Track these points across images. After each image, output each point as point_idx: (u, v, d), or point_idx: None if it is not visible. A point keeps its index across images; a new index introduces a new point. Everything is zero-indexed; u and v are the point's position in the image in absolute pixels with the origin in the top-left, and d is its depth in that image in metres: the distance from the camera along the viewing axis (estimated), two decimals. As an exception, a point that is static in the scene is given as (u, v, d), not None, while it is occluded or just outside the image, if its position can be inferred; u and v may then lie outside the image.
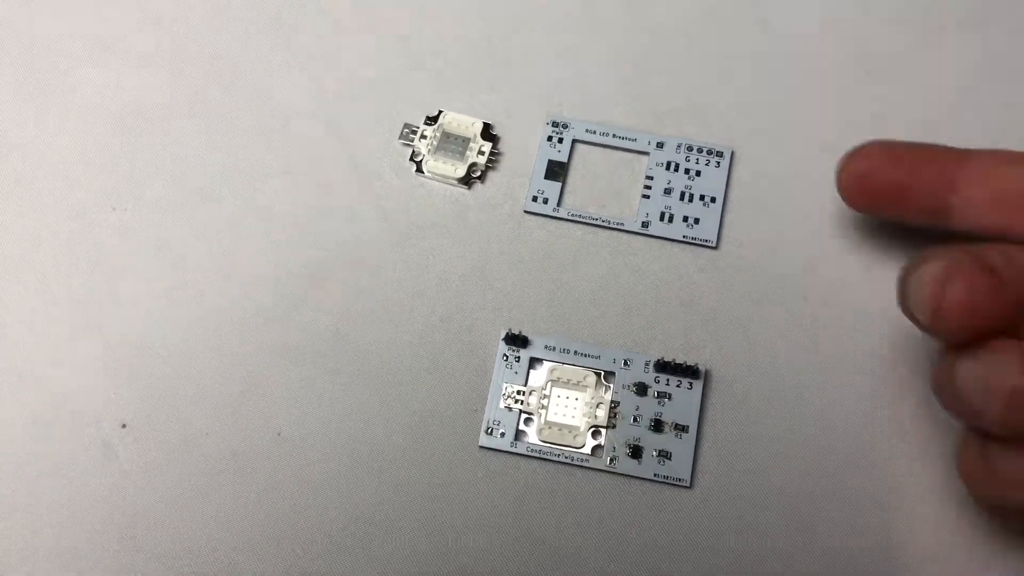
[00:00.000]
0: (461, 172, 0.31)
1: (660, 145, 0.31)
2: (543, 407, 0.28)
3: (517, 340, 0.28)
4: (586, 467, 0.27)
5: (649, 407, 0.28)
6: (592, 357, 0.28)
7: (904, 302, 0.23)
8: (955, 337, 0.23)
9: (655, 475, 0.27)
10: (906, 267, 0.23)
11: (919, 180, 0.26)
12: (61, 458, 0.28)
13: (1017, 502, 0.23)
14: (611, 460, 0.27)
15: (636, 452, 0.27)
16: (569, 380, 0.28)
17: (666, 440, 0.27)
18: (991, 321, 0.22)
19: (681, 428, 0.27)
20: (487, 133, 0.31)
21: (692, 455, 0.27)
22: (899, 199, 0.26)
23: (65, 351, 0.29)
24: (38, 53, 0.33)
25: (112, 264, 0.30)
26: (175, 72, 0.33)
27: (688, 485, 0.27)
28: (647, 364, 0.28)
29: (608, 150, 0.31)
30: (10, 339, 0.29)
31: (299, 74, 0.32)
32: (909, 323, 0.26)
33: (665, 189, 0.30)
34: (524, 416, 0.28)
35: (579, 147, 0.31)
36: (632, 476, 0.27)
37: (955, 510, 0.27)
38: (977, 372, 0.22)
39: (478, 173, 0.31)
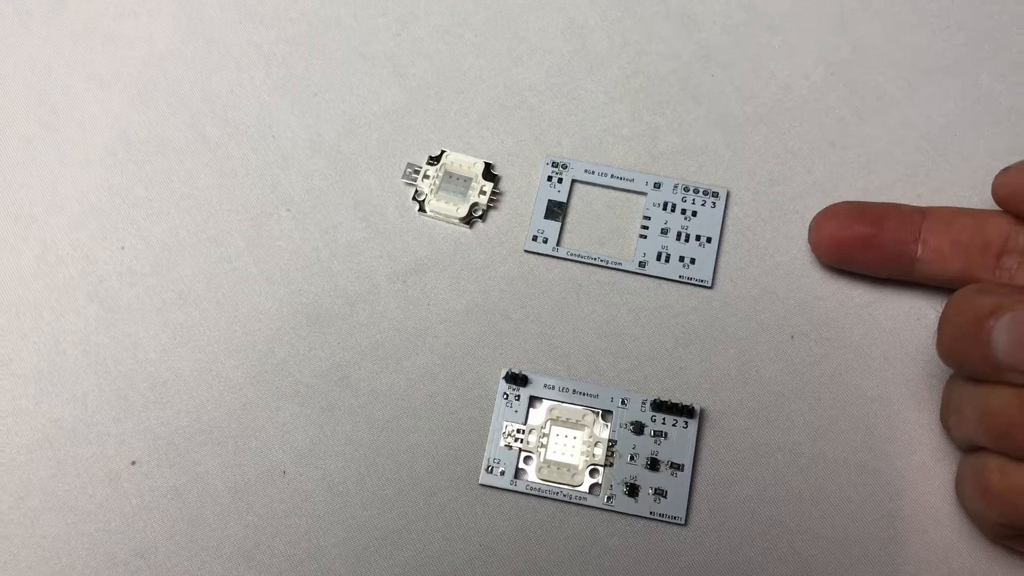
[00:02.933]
0: (463, 212, 0.31)
1: (657, 185, 0.32)
2: (542, 445, 0.28)
3: (517, 379, 0.29)
4: (584, 505, 0.28)
5: (646, 446, 0.28)
6: (590, 396, 0.29)
7: (987, 350, 0.23)
8: None
9: (651, 513, 0.28)
10: (980, 317, 0.23)
11: (885, 234, 0.28)
12: (71, 493, 0.28)
13: None
14: (608, 498, 0.28)
15: (633, 490, 0.28)
16: (568, 419, 0.29)
17: (662, 478, 0.28)
18: None
19: (677, 466, 0.28)
20: (488, 173, 0.32)
21: (687, 493, 0.28)
22: (868, 252, 0.29)
23: (75, 389, 0.29)
24: (41, 91, 0.33)
25: (120, 302, 0.30)
26: (178, 111, 0.33)
27: (683, 523, 0.28)
28: (644, 403, 0.29)
29: (606, 190, 0.32)
30: (20, 377, 0.29)
31: (302, 114, 0.33)
32: (900, 358, 0.27)
33: (662, 229, 0.31)
34: (524, 455, 0.28)
35: (578, 187, 0.32)
36: (629, 514, 0.28)
37: (955, 539, 0.27)
38: None
39: (479, 212, 0.31)
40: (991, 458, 0.24)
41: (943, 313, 0.25)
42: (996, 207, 0.28)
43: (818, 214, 0.30)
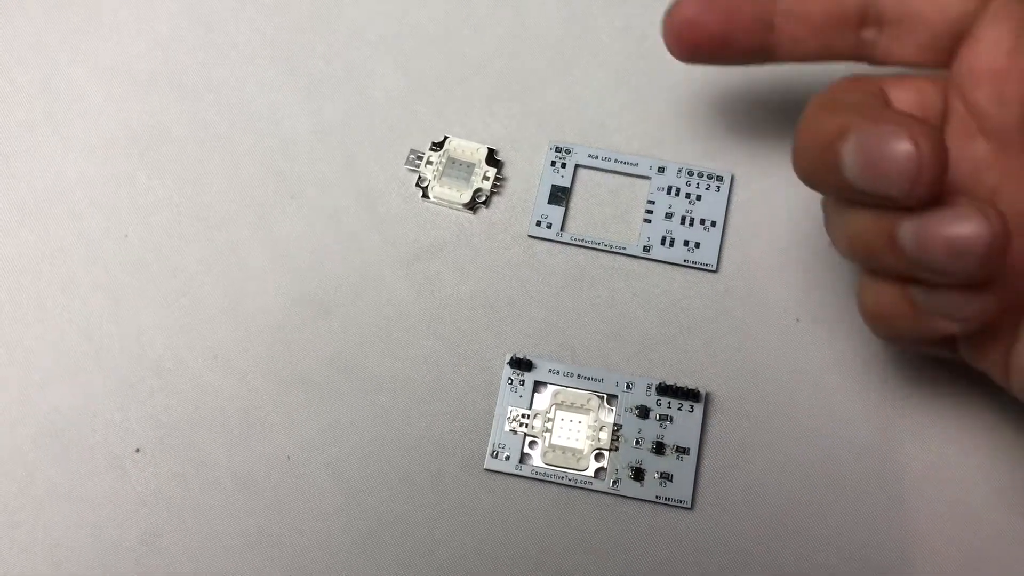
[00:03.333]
0: (466, 197, 0.31)
1: (661, 170, 0.31)
2: (547, 430, 0.28)
3: (521, 364, 0.29)
4: (589, 489, 0.28)
5: (651, 430, 0.28)
6: (595, 380, 0.29)
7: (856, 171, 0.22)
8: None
9: (657, 497, 0.28)
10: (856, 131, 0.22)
11: (737, 26, 0.27)
12: (75, 482, 0.28)
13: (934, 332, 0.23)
14: (614, 482, 0.28)
15: (638, 474, 0.28)
16: (573, 403, 0.29)
17: (667, 462, 0.28)
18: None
19: (682, 450, 0.28)
20: (491, 159, 0.32)
21: (693, 476, 0.28)
22: (722, 47, 0.27)
23: (79, 377, 0.29)
24: (44, 79, 0.33)
25: (125, 290, 0.30)
26: (181, 99, 0.33)
27: (689, 506, 0.28)
28: (649, 387, 0.29)
29: (610, 175, 0.32)
30: (24, 365, 0.29)
31: (305, 101, 0.33)
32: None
33: (666, 213, 0.31)
34: (529, 439, 0.28)
35: (581, 172, 0.32)
36: (634, 498, 0.28)
37: (966, 519, 0.27)
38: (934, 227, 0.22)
39: (483, 198, 0.31)
40: (863, 277, 0.24)
41: (795, 137, 0.24)
42: None
43: (667, 11, 0.28)
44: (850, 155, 0.22)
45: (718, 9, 0.27)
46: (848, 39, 0.26)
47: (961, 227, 0.21)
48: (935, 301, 0.23)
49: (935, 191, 0.21)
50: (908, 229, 0.22)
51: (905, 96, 0.25)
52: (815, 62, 0.27)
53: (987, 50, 0.24)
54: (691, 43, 0.28)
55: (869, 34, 0.26)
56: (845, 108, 0.23)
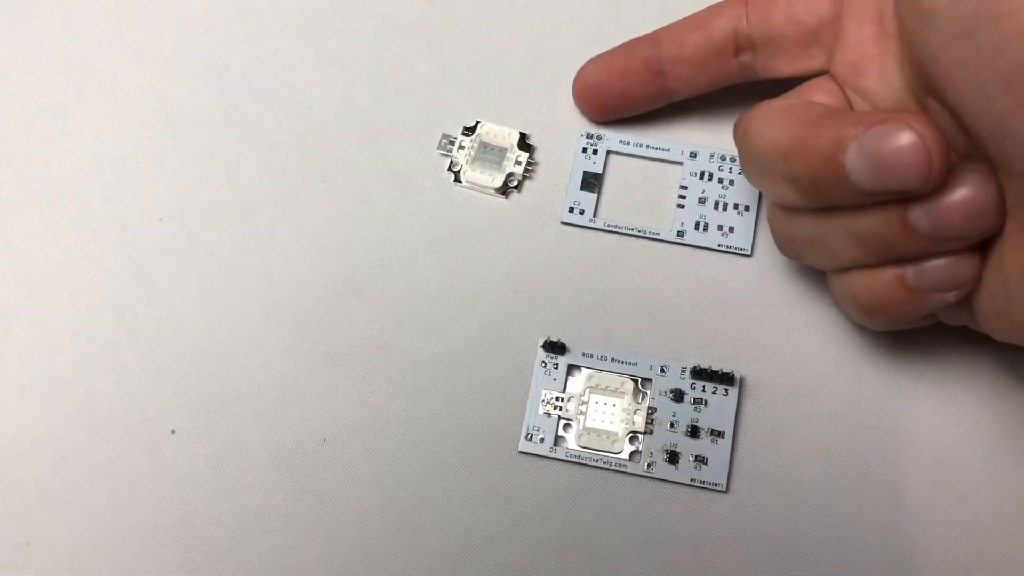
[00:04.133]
0: (498, 182, 0.31)
1: (693, 155, 0.31)
2: (581, 413, 0.28)
3: (555, 347, 0.29)
4: (624, 472, 0.28)
5: (685, 413, 0.28)
6: (629, 364, 0.29)
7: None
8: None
9: (692, 480, 0.28)
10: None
11: (632, 81, 0.30)
12: (111, 463, 0.28)
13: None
14: (648, 465, 0.28)
15: (673, 457, 0.28)
16: (607, 387, 0.29)
17: (702, 445, 0.28)
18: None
19: (717, 434, 0.28)
20: (523, 143, 0.32)
21: (728, 460, 0.28)
22: (624, 101, 0.31)
23: (113, 359, 0.29)
24: (77, 63, 0.34)
25: (158, 273, 0.31)
26: (213, 83, 0.33)
27: (724, 489, 0.27)
28: (683, 371, 0.29)
29: (642, 160, 0.32)
30: (61, 348, 0.30)
31: (337, 85, 0.33)
32: (941, 328, 0.27)
33: (699, 198, 0.31)
34: (563, 422, 0.28)
35: (613, 158, 0.32)
36: (669, 481, 0.28)
37: (1001, 501, 0.27)
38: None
39: (515, 183, 0.31)
40: (855, 276, 0.25)
41: (778, 168, 0.24)
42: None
43: (573, 82, 0.31)
44: (855, 163, 0.22)
45: (614, 69, 0.30)
46: (730, 66, 0.29)
47: (970, 191, 0.22)
48: (930, 276, 0.23)
49: (946, 169, 0.21)
50: (920, 212, 0.22)
51: (825, 99, 0.27)
52: (709, 91, 0.30)
53: (857, 44, 0.26)
54: (598, 103, 0.31)
55: (746, 58, 0.29)
56: (823, 122, 0.23)
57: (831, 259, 0.25)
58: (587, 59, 0.31)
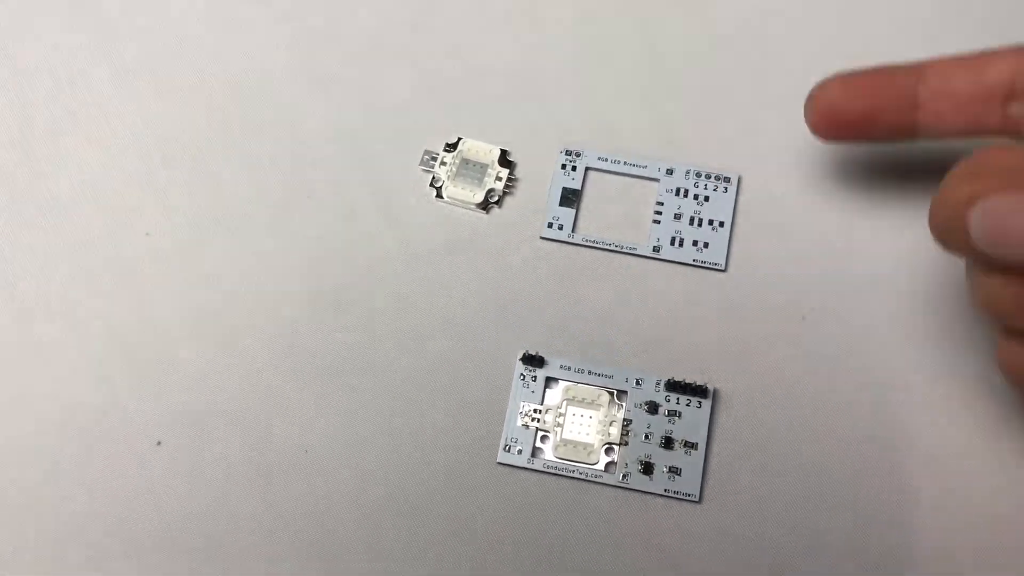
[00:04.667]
0: (479, 197, 0.32)
1: (670, 172, 0.32)
2: (559, 425, 0.29)
3: (533, 360, 0.30)
4: (600, 483, 0.28)
5: (660, 425, 0.29)
6: (606, 377, 0.29)
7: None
8: None
9: (666, 490, 0.28)
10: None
11: (882, 104, 0.28)
12: (98, 474, 0.29)
13: None
14: (624, 476, 0.28)
15: (648, 468, 0.28)
16: (583, 399, 0.29)
17: (676, 457, 0.28)
18: None
19: (691, 445, 0.29)
20: (504, 160, 0.32)
21: (701, 471, 0.28)
22: (866, 126, 0.28)
23: (100, 371, 0.30)
24: (67, 80, 0.34)
25: (146, 287, 0.31)
26: (200, 100, 0.34)
27: (697, 500, 0.28)
28: (658, 383, 0.29)
29: (620, 177, 0.32)
30: (47, 360, 0.30)
31: (322, 103, 0.34)
32: (915, 338, 0.28)
33: (675, 214, 0.32)
34: (540, 434, 0.29)
35: (592, 174, 0.32)
36: (644, 491, 0.28)
37: (972, 514, 0.28)
38: None
39: (496, 198, 0.32)
40: (1001, 336, 0.24)
41: (933, 200, 0.24)
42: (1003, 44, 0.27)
43: (810, 95, 0.29)
44: (977, 222, 0.22)
45: (862, 91, 0.28)
46: (994, 115, 0.26)
47: None
48: None
49: None
50: None
51: None
52: (961, 138, 0.27)
53: None
54: (836, 126, 0.28)
55: (1016, 109, 0.26)
56: (980, 174, 0.23)
57: (975, 309, 0.25)
58: (568, 80, 0.32)
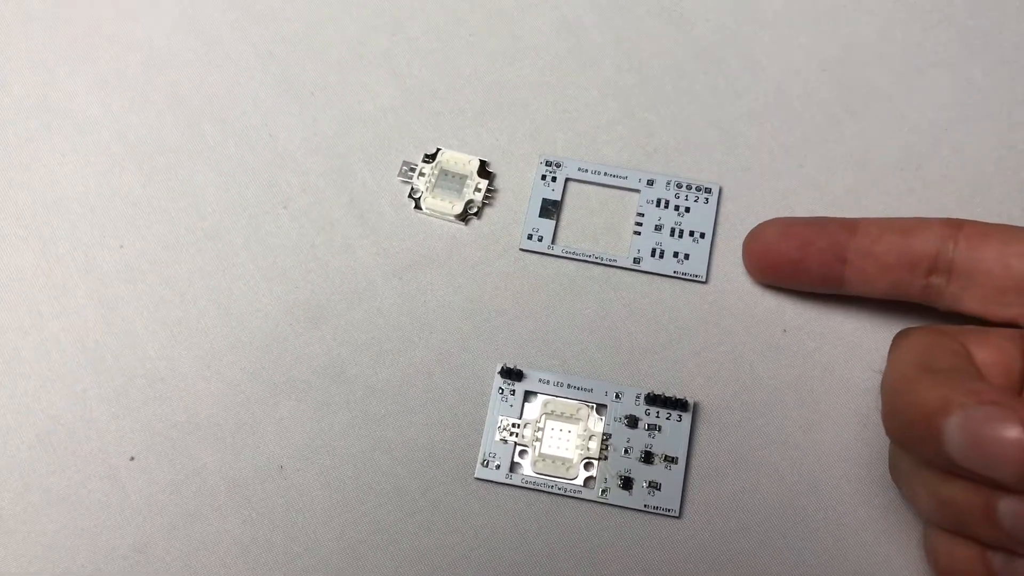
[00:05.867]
0: (458, 209, 0.32)
1: (650, 182, 0.32)
2: (537, 439, 0.29)
3: (512, 374, 0.29)
4: (579, 498, 0.28)
5: (640, 439, 0.29)
6: (585, 390, 0.29)
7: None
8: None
9: (645, 505, 0.28)
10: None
11: (811, 255, 0.28)
12: (71, 489, 0.28)
13: None
14: (603, 491, 0.28)
15: (627, 483, 0.28)
16: (562, 413, 0.29)
17: (656, 471, 0.28)
18: None
19: (671, 459, 0.28)
20: (483, 171, 0.32)
21: (681, 485, 0.28)
22: (796, 273, 0.29)
23: (74, 386, 0.30)
24: (41, 92, 0.34)
25: (119, 300, 0.31)
26: (176, 111, 0.33)
27: (677, 515, 0.28)
28: (638, 397, 0.29)
29: (600, 188, 0.32)
30: (20, 374, 0.30)
31: (299, 113, 0.33)
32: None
33: (656, 225, 0.31)
34: (519, 448, 0.29)
35: (572, 185, 0.32)
36: (623, 507, 0.28)
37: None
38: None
39: (475, 210, 0.32)
40: (939, 536, 0.24)
41: (885, 399, 0.24)
42: (933, 217, 0.27)
43: (747, 235, 0.30)
44: (954, 433, 0.21)
45: (794, 239, 0.29)
46: (917, 283, 0.27)
47: None
48: (1017, 568, 0.22)
49: None
50: (1009, 507, 0.21)
51: (987, 354, 0.25)
52: (881, 299, 0.28)
53: None
54: (767, 268, 0.30)
55: (937, 280, 0.27)
56: (942, 377, 0.23)
57: (918, 507, 0.25)
58: (548, 90, 0.32)
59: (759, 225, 0.30)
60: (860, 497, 0.28)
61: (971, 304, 0.26)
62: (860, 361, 0.30)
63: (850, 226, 0.28)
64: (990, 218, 0.30)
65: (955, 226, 0.26)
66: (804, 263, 0.28)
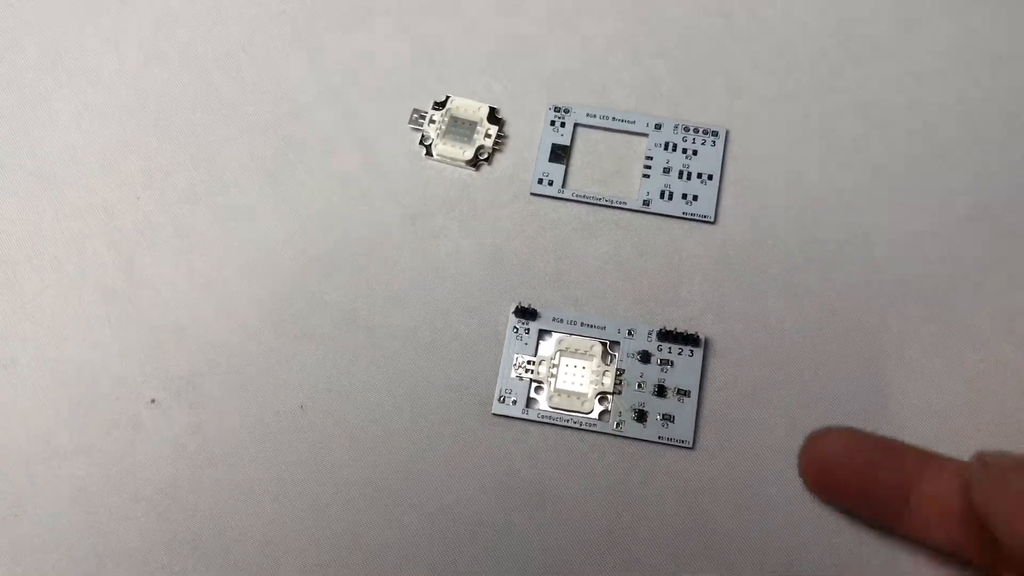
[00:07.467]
0: (469, 155, 0.32)
1: (658, 127, 0.32)
2: (552, 375, 0.29)
3: (526, 313, 0.30)
4: (594, 431, 0.29)
5: (653, 374, 0.29)
6: (598, 328, 0.30)
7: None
8: None
9: (659, 437, 0.28)
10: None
11: (876, 486, 0.25)
12: (94, 435, 0.29)
13: None
14: (617, 424, 0.29)
15: (641, 416, 0.29)
16: (576, 350, 0.29)
17: (669, 404, 0.29)
18: None
19: (683, 393, 0.29)
20: (493, 117, 0.33)
21: (694, 418, 0.29)
22: (856, 500, 0.26)
23: (95, 334, 0.30)
24: (55, 50, 0.34)
25: (138, 250, 0.31)
26: (190, 67, 0.34)
27: (691, 446, 0.28)
28: (650, 333, 0.29)
29: (609, 133, 0.33)
30: (41, 323, 0.30)
31: (311, 67, 0.34)
32: (901, 290, 0.28)
33: (664, 168, 0.32)
34: (535, 384, 0.29)
35: (581, 130, 0.33)
36: (637, 439, 0.28)
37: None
38: None
39: (485, 155, 0.32)
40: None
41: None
42: None
43: (812, 437, 0.27)
44: None
45: (862, 465, 0.25)
46: (977, 543, 0.24)
47: None
48: None
49: None
50: None
51: None
52: (937, 551, 0.26)
53: None
54: (826, 486, 0.27)
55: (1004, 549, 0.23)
56: None
57: None
58: (555, 38, 0.32)
59: (820, 432, 0.27)
60: (867, 428, 0.28)
61: None
62: (868, 299, 0.30)
63: (922, 462, 0.25)
64: (993, 164, 0.31)
65: None
66: (868, 493, 0.25)
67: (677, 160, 0.32)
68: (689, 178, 0.32)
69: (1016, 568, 0.23)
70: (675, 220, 0.31)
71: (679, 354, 0.29)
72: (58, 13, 0.35)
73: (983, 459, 0.22)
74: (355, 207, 0.32)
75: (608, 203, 0.32)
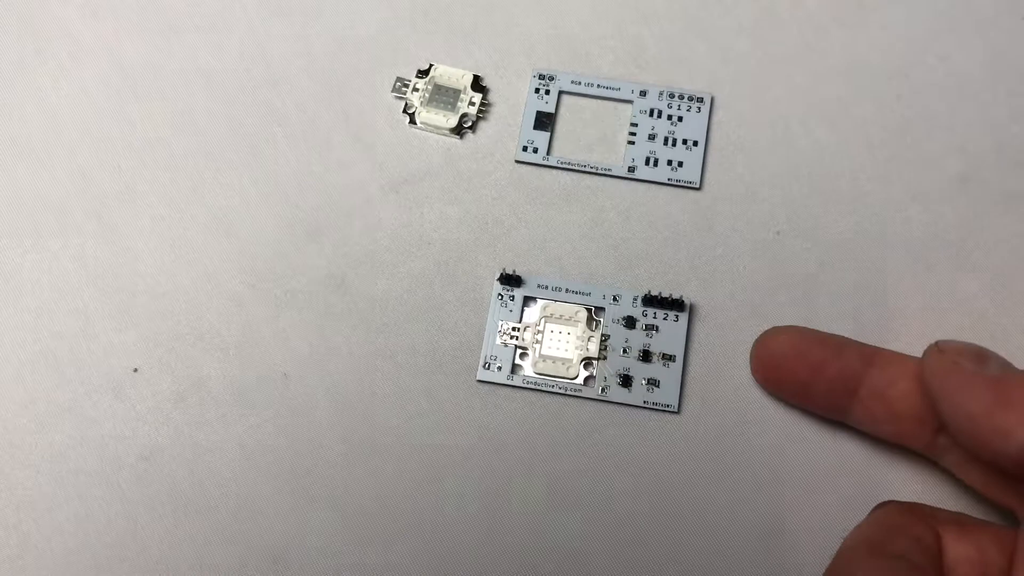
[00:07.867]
0: (453, 122, 0.32)
1: (643, 93, 0.32)
2: (537, 342, 0.29)
3: (511, 280, 0.30)
4: (579, 396, 0.29)
5: (638, 339, 0.29)
6: (583, 294, 0.30)
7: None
8: None
9: (644, 402, 0.28)
10: None
11: (821, 381, 0.26)
12: (75, 401, 0.29)
13: None
14: (603, 389, 0.28)
15: (626, 381, 0.29)
16: (561, 316, 0.29)
17: (654, 369, 0.29)
18: None
19: (668, 358, 0.29)
20: (477, 85, 0.32)
21: (679, 382, 0.29)
22: (802, 394, 0.28)
23: (75, 302, 0.30)
24: (36, 20, 0.34)
25: (119, 219, 0.31)
26: (170, 37, 0.33)
27: (676, 410, 0.28)
28: (635, 299, 0.29)
29: (593, 100, 0.32)
30: (21, 292, 0.30)
31: (293, 36, 0.33)
32: (884, 247, 0.28)
33: (649, 135, 0.32)
34: (519, 351, 0.29)
35: (565, 98, 0.32)
36: (623, 404, 0.28)
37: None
38: None
39: (469, 123, 0.32)
40: None
41: (828, 568, 0.24)
42: None
43: (758, 340, 0.28)
44: None
45: (805, 358, 0.27)
46: (922, 437, 0.26)
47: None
48: None
49: None
50: None
51: (963, 550, 0.23)
52: (884, 441, 0.27)
53: None
54: (772, 380, 0.28)
55: (944, 440, 0.25)
56: (884, 566, 0.22)
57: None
58: (539, 5, 0.32)
59: (770, 331, 0.28)
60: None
61: (973, 478, 0.25)
62: (852, 259, 0.30)
63: (867, 356, 0.26)
64: (976, 125, 0.31)
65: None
66: (813, 387, 0.27)
67: (662, 127, 0.32)
68: (674, 144, 0.32)
69: (957, 451, 0.25)
70: (660, 186, 0.31)
71: (664, 319, 0.29)
72: (36, -18, 0.34)
73: (939, 346, 0.24)
74: (338, 175, 0.31)
75: (593, 170, 0.31)
